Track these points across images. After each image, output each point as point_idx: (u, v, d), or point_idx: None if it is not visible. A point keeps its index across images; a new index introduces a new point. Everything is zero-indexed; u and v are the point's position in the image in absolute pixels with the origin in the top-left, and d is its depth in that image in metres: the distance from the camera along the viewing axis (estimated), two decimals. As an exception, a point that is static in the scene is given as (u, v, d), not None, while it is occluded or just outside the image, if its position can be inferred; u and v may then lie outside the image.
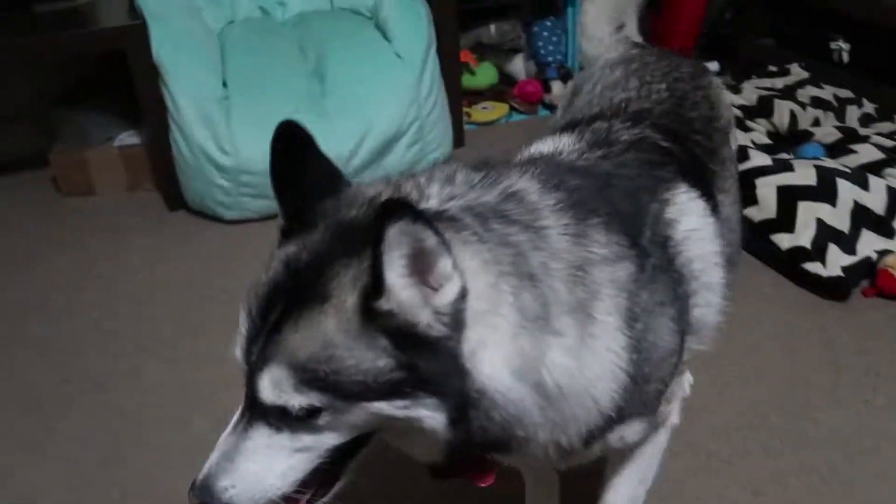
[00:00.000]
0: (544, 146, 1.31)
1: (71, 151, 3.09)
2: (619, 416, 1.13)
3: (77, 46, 2.90)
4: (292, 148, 1.01)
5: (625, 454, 1.35)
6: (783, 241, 2.37)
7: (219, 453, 1.00)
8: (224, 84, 2.75)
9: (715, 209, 1.33)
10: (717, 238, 1.31)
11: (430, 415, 0.95)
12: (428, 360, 0.92)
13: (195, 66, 2.71)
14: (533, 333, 0.99)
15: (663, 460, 1.40)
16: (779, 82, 3.17)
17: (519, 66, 3.69)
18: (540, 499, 1.64)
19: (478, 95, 3.56)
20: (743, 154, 2.48)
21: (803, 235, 2.34)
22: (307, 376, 0.91)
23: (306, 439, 0.98)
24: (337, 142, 2.63)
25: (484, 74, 3.56)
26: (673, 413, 1.39)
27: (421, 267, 0.90)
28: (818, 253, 2.30)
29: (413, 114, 2.83)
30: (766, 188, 2.43)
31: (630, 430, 1.20)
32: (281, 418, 0.95)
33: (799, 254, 2.33)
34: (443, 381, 0.94)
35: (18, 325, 2.41)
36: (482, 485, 1.11)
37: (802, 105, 2.97)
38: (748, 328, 2.16)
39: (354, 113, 2.73)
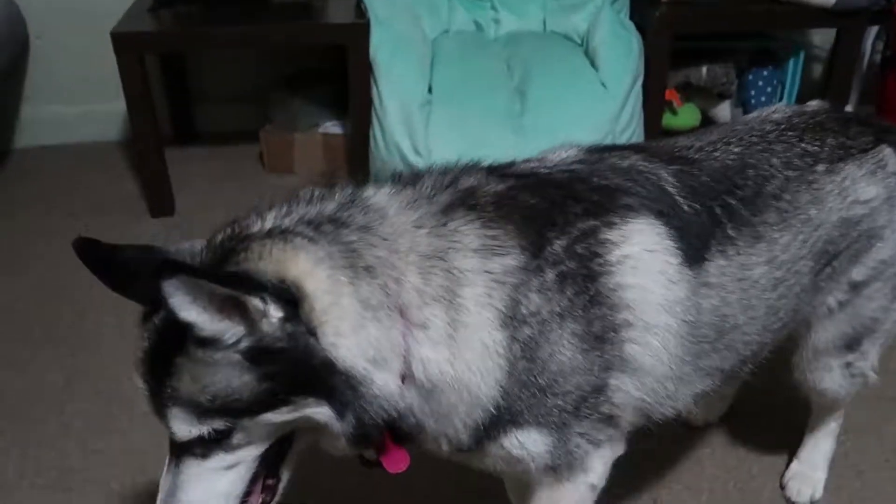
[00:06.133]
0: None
1: (280, 132, 3.38)
2: (512, 418, 1.13)
3: (304, 37, 3.14)
4: (101, 258, 1.08)
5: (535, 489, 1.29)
6: None
7: (163, 494, 1.11)
8: (429, 90, 2.84)
9: (695, 261, 1.25)
10: (679, 285, 1.23)
11: (317, 410, 1.04)
12: (287, 367, 1.01)
13: (407, 70, 2.82)
14: (381, 322, 1.04)
15: None
16: None
17: (725, 112, 3.53)
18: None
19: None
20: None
21: None
22: (199, 409, 1.03)
23: (229, 458, 1.09)
24: (527, 160, 2.64)
25: (686, 116, 3.44)
26: (591, 467, 1.27)
27: (231, 307, 0.98)
28: None
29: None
30: None
31: (530, 440, 1.17)
32: (202, 447, 1.07)
33: None
34: (312, 380, 1.02)
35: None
36: (392, 471, 1.16)
37: None
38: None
39: (550, 135, 2.68)
